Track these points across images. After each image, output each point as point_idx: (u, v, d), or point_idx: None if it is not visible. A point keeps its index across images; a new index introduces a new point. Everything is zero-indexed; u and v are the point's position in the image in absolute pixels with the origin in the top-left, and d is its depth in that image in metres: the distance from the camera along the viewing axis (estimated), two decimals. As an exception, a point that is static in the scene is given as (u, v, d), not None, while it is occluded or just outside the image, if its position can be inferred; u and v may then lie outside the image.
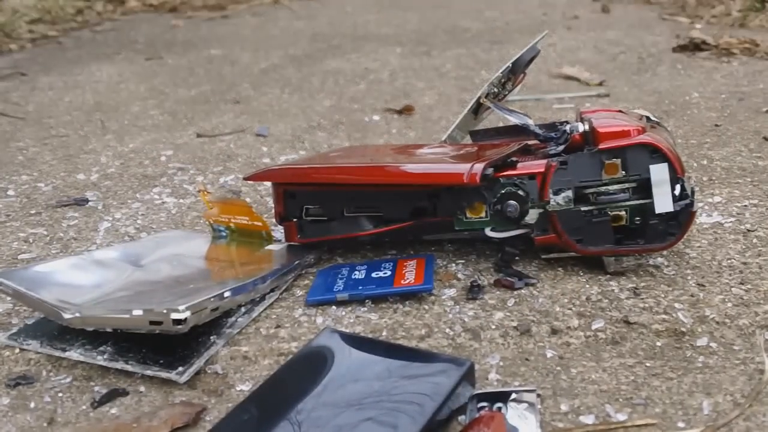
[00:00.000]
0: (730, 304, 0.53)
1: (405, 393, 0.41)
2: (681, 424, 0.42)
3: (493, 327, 0.52)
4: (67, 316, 0.48)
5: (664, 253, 0.60)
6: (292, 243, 0.63)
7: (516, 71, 0.71)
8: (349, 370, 0.44)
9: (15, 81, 1.43)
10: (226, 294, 0.51)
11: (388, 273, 0.58)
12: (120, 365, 0.48)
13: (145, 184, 0.85)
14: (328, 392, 0.42)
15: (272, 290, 0.57)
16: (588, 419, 0.42)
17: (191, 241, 0.66)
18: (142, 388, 0.47)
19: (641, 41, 1.55)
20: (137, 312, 0.47)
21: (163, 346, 0.49)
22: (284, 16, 2.16)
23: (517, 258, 0.61)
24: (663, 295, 0.55)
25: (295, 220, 0.62)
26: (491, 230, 0.59)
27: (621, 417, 0.42)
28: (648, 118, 0.62)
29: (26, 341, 0.52)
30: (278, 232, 0.66)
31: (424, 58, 1.50)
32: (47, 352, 0.51)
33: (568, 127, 0.61)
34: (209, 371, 0.49)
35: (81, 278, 0.56)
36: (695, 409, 0.43)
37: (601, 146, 0.56)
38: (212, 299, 0.49)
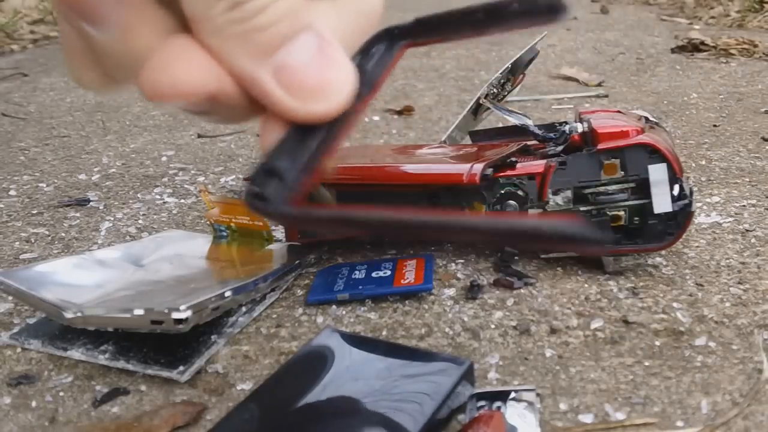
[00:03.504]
0: (728, 304, 0.53)
1: (405, 392, 0.42)
2: (680, 423, 0.42)
3: (493, 326, 0.52)
4: (68, 315, 0.48)
5: (663, 252, 0.60)
6: (292, 243, 0.63)
7: (515, 72, 0.72)
8: (349, 370, 0.44)
9: (16, 81, 1.44)
10: (227, 293, 0.51)
11: (388, 273, 0.58)
12: (121, 364, 0.48)
13: (147, 185, 0.85)
14: (329, 391, 0.42)
15: (273, 290, 0.57)
16: (587, 418, 0.43)
17: (192, 241, 0.66)
18: (143, 387, 0.47)
19: (640, 42, 1.55)
20: (138, 311, 0.47)
21: (164, 346, 0.49)
22: (284, 17, 2.17)
23: (516, 258, 0.61)
24: (661, 295, 0.55)
25: (295, 220, 0.63)
26: (491, 230, 0.59)
27: (620, 416, 0.43)
28: (647, 119, 0.62)
29: (28, 341, 0.52)
30: (279, 232, 0.66)
31: (423, 58, 1.50)
32: (49, 352, 0.51)
33: (567, 128, 0.61)
34: (210, 370, 0.49)
35: (82, 278, 0.56)
36: (694, 408, 0.43)
37: (600, 146, 0.56)
38: (213, 299, 0.49)
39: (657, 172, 0.55)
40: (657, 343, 0.49)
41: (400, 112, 1.11)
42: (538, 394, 0.44)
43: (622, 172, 0.56)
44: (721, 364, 0.47)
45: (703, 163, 0.82)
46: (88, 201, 0.80)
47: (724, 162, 0.82)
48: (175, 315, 0.46)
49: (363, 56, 0.47)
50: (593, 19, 1.87)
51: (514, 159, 0.59)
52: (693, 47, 1.40)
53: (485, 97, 0.70)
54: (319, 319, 0.54)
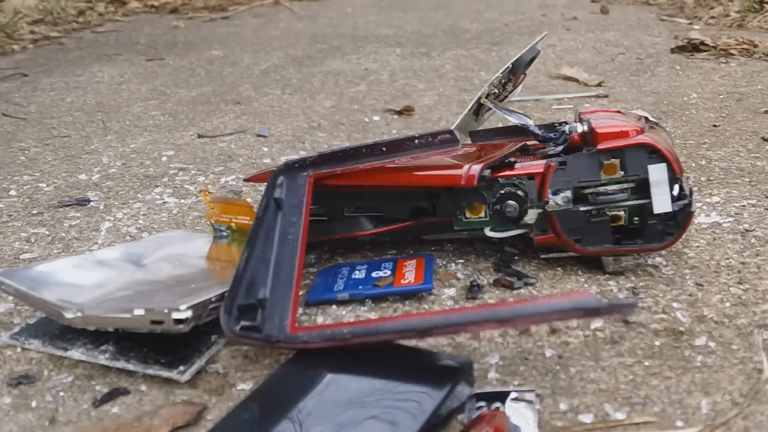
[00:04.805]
0: (728, 304, 0.53)
1: (405, 391, 0.42)
2: (679, 423, 0.42)
3: (493, 326, 0.52)
4: (68, 315, 0.48)
5: (663, 253, 0.60)
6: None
7: (516, 72, 0.72)
8: (350, 369, 0.44)
9: (17, 81, 1.44)
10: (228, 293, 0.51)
11: (388, 273, 0.58)
12: (121, 364, 0.48)
13: (147, 185, 0.85)
14: (329, 391, 0.42)
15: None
16: (587, 418, 0.43)
17: (192, 241, 0.66)
18: (143, 387, 0.47)
19: (640, 42, 1.55)
20: (138, 311, 0.47)
21: (164, 346, 0.49)
22: (285, 17, 2.17)
23: (516, 258, 0.61)
24: (661, 295, 0.55)
25: (295, 220, 0.63)
26: (491, 230, 0.59)
27: (620, 416, 0.43)
28: (646, 119, 0.62)
29: (28, 340, 0.52)
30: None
31: (423, 59, 1.50)
32: (49, 352, 0.51)
33: (567, 128, 0.61)
34: (210, 370, 0.49)
35: (82, 278, 0.56)
36: (694, 408, 0.43)
37: (600, 146, 0.56)
38: (213, 299, 0.49)
39: (657, 172, 0.55)
40: (657, 343, 0.50)
41: (400, 112, 1.11)
42: (537, 394, 0.44)
43: (622, 172, 0.56)
44: (721, 364, 0.47)
45: (703, 163, 0.83)
46: (88, 201, 0.80)
47: (724, 162, 0.82)
48: (175, 315, 0.46)
49: (271, 188, 0.52)
50: (593, 19, 1.87)
51: (513, 159, 0.59)
52: (693, 47, 1.40)
53: (486, 97, 0.70)
54: (319, 319, 0.54)
